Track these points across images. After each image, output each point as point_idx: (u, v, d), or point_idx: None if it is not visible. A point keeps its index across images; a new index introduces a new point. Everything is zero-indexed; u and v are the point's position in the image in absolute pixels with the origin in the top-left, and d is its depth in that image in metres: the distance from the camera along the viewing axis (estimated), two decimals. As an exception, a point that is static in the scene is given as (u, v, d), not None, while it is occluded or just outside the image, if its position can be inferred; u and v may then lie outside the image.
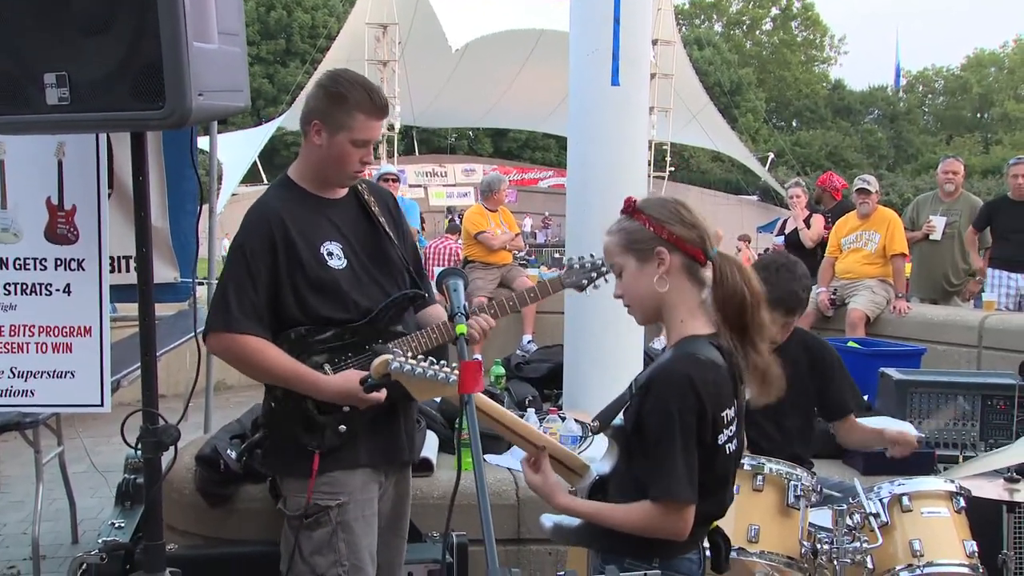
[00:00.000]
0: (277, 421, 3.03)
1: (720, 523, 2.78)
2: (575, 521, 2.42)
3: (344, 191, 3.08)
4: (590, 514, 2.37)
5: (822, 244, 8.33)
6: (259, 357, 2.87)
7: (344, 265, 2.96)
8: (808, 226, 8.60)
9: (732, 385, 2.33)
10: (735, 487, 2.87)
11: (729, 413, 2.31)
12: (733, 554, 2.86)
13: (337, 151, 2.91)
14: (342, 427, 2.93)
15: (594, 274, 3.22)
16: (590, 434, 4.29)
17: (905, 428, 3.91)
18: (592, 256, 3.21)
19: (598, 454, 2.56)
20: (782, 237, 8.84)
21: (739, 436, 2.39)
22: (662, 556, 2.31)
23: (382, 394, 2.85)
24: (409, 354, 2.42)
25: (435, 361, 2.41)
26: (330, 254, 2.95)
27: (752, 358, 2.29)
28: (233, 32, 2.79)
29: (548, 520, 2.50)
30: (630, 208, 2.37)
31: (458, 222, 13.41)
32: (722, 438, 2.28)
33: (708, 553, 2.47)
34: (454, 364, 2.40)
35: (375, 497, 3.06)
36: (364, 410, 2.92)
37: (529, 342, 8.09)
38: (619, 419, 2.35)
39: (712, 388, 2.24)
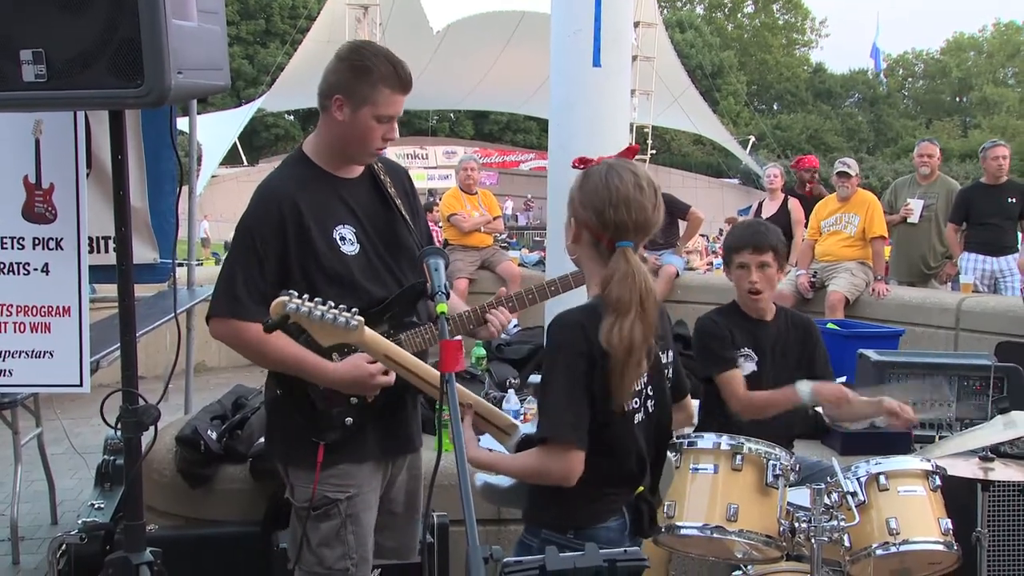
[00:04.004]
0: (281, 409, 2.94)
1: (699, 502, 2.81)
2: (504, 482, 2.45)
3: (360, 169, 2.97)
4: (491, 464, 2.41)
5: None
6: (264, 345, 2.72)
7: (357, 251, 2.86)
8: (788, 211, 8.62)
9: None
10: (712, 466, 2.91)
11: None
12: (712, 532, 2.89)
13: (360, 127, 2.79)
14: (348, 419, 2.83)
15: None
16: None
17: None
18: None
19: None
20: (758, 221, 8.86)
21: (656, 410, 2.39)
22: (578, 526, 2.32)
23: (391, 377, 2.75)
24: (306, 296, 2.40)
25: (335, 305, 2.41)
26: (343, 239, 2.84)
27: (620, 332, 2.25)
28: (213, 10, 2.77)
29: (480, 479, 2.52)
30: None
31: (437, 202, 13.41)
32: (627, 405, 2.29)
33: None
34: (355, 310, 2.44)
35: (379, 487, 3.00)
36: (372, 402, 2.83)
37: (515, 326, 8.08)
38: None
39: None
